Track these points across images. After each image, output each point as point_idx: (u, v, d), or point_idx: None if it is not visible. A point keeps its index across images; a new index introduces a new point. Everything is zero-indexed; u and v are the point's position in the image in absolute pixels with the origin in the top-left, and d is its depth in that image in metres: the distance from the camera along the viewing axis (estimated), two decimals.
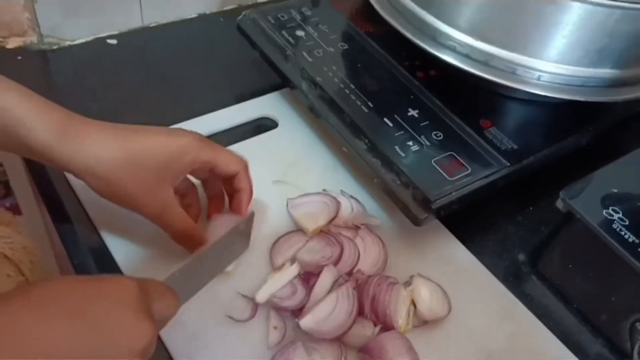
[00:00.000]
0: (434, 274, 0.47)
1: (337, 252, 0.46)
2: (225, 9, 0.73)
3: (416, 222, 0.46)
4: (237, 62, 0.66)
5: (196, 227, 0.44)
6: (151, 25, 0.68)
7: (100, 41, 0.65)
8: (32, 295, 0.28)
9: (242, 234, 0.45)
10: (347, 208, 0.50)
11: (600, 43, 0.48)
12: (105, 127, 0.40)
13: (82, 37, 0.64)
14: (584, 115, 0.56)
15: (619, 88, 0.52)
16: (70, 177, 0.49)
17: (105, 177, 0.39)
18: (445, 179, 0.48)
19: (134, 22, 0.67)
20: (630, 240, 0.44)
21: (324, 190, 0.52)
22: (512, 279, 0.50)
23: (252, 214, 0.45)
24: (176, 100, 0.60)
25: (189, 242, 0.44)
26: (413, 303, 0.44)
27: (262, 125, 0.59)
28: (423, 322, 0.44)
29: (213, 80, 0.64)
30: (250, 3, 0.75)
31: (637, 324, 0.45)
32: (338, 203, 0.50)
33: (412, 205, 0.46)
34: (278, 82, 0.61)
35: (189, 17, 0.71)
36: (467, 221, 0.52)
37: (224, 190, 0.48)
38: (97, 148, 0.39)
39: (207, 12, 0.72)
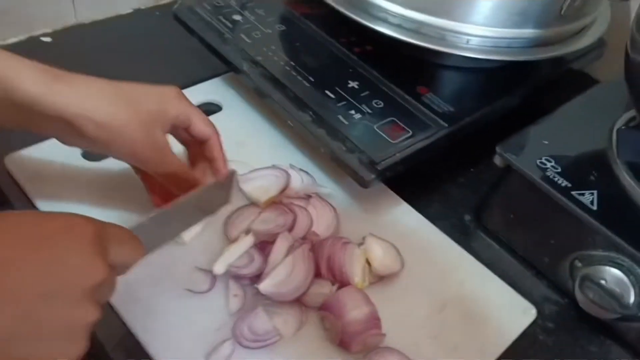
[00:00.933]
0: (386, 234, 0.49)
1: (290, 219, 0.47)
2: (160, 3, 0.73)
3: (364, 184, 0.48)
4: (176, 52, 0.66)
5: (190, 170, 0.45)
6: (86, 22, 0.68)
7: (34, 40, 0.64)
8: None
9: (222, 189, 0.45)
10: (297, 180, 0.51)
11: (521, 4, 0.51)
12: (95, 78, 0.41)
13: (15, 36, 0.63)
14: (514, 77, 0.59)
15: (543, 47, 0.56)
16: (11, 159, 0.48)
17: (105, 120, 0.39)
18: (389, 142, 0.50)
19: (68, 19, 0.66)
20: (564, 185, 0.47)
21: (273, 165, 0.53)
22: (459, 235, 0.52)
23: (233, 172, 0.45)
24: None
25: (184, 184, 0.44)
26: (367, 262, 0.46)
27: (207, 111, 0.59)
28: (379, 279, 0.46)
29: (153, 72, 0.64)
30: None
31: (576, 261, 0.48)
32: (288, 175, 0.51)
33: (359, 169, 0.48)
34: (219, 68, 0.62)
35: (124, 12, 0.71)
36: (414, 185, 0.54)
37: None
38: (92, 92, 0.39)
39: (142, 7, 0.72)
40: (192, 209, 0.42)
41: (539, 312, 0.47)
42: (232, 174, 0.45)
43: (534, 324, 0.47)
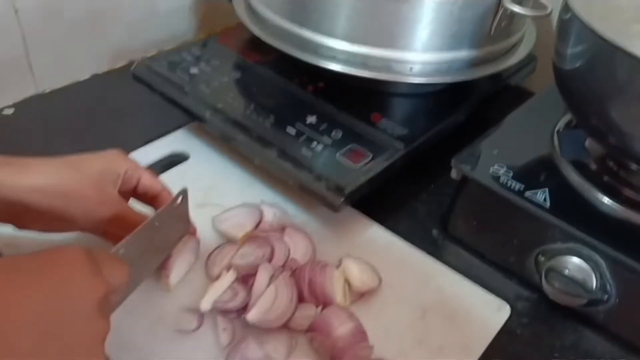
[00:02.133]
0: (361, 253, 0.51)
1: (268, 250, 0.49)
2: (116, 66, 0.76)
3: (334, 208, 0.51)
4: (137, 110, 0.68)
5: None
6: (46, 91, 0.70)
7: None
8: None
9: (179, 213, 0.47)
10: (269, 213, 0.54)
11: (453, 29, 0.56)
12: (40, 158, 0.43)
13: None
14: (458, 96, 0.64)
15: (479, 66, 0.61)
16: None
17: (56, 189, 0.41)
18: (352, 168, 0.53)
19: (28, 90, 0.68)
20: (517, 187, 0.51)
21: (244, 203, 0.55)
22: (430, 246, 0.55)
23: (184, 190, 0.47)
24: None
25: None
26: (347, 282, 0.48)
27: (174, 161, 0.62)
28: (359, 296, 0.48)
29: (116, 131, 0.66)
30: (140, 59, 0.78)
31: (539, 256, 0.51)
32: (259, 210, 0.53)
33: (327, 195, 0.51)
34: (181, 120, 0.65)
35: (82, 79, 0.73)
36: (381, 205, 0.57)
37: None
38: (42, 169, 0.42)
39: (99, 72, 0.75)
40: (158, 234, 0.44)
41: (513, 309, 0.50)
42: (183, 192, 0.47)
43: (510, 320, 0.49)
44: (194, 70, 0.64)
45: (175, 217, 0.47)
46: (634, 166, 0.51)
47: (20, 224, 0.43)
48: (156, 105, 0.64)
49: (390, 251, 0.53)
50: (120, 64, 0.77)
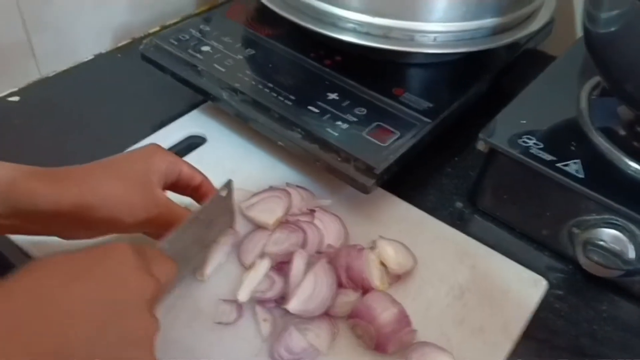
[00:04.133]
0: (392, 234, 0.50)
1: (302, 236, 0.48)
2: (119, 45, 0.73)
3: (365, 190, 0.49)
4: (146, 91, 0.66)
5: None
6: (50, 75, 0.67)
7: (1, 101, 0.63)
8: (36, 271, 0.30)
9: (225, 206, 0.46)
10: (297, 197, 0.52)
11: None
12: (81, 167, 0.41)
13: None
14: (478, 65, 0.62)
15: (502, 34, 0.59)
16: None
17: (103, 201, 0.40)
18: (381, 146, 0.51)
19: (32, 75, 0.65)
20: (548, 159, 0.50)
21: (270, 187, 0.54)
22: (459, 222, 0.55)
23: (230, 182, 0.46)
24: (95, 143, 0.59)
25: None
26: (382, 263, 0.47)
27: (192, 144, 0.60)
28: (396, 278, 0.48)
29: (128, 114, 0.64)
30: (142, 35, 0.75)
31: (573, 228, 0.50)
32: (288, 194, 0.52)
33: (358, 177, 0.49)
34: (195, 100, 0.63)
35: (86, 59, 0.70)
36: (406, 182, 0.56)
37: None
38: (84, 179, 0.40)
39: (103, 51, 0.72)
40: (202, 227, 0.43)
41: (548, 282, 0.50)
42: (228, 184, 0.46)
43: (546, 294, 0.49)
44: (205, 47, 0.61)
45: (220, 210, 0.46)
46: None
47: (65, 235, 0.41)
48: (166, 85, 0.62)
49: (421, 229, 0.53)
50: (123, 41, 0.73)
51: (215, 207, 0.45)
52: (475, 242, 0.52)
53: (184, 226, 0.40)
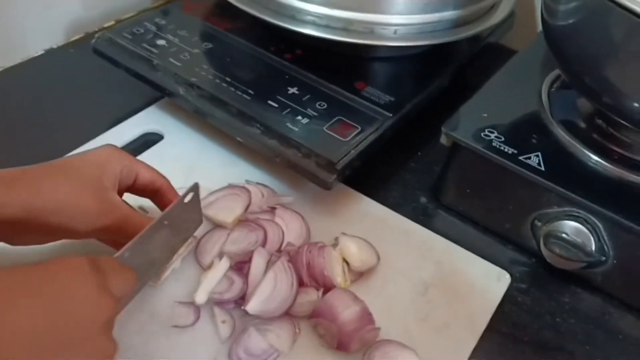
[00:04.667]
0: (355, 230, 0.49)
1: (261, 234, 0.47)
2: (72, 39, 0.70)
3: (326, 186, 0.48)
4: (100, 87, 0.63)
5: None
6: None
7: None
8: None
9: (190, 208, 0.44)
10: (257, 194, 0.51)
11: None
12: (29, 168, 0.38)
13: None
14: (440, 59, 0.61)
15: (463, 26, 0.58)
16: None
17: (53, 205, 0.37)
18: (341, 141, 0.50)
19: None
20: (510, 152, 0.50)
21: (229, 184, 0.52)
22: (423, 217, 0.54)
23: (196, 185, 0.43)
24: (46, 141, 0.56)
25: None
26: (345, 261, 0.46)
27: (148, 141, 0.58)
28: (359, 275, 0.47)
29: (81, 111, 0.61)
30: (96, 30, 0.72)
31: (535, 221, 0.50)
32: (247, 191, 0.50)
33: (318, 172, 0.48)
34: (151, 96, 0.60)
35: (36, 54, 0.67)
36: (368, 178, 0.56)
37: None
38: (33, 182, 0.37)
39: (54, 46, 0.69)
40: (167, 233, 0.41)
41: (511, 275, 0.49)
42: (195, 187, 0.43)
43: (509, 287, 0.49)
44: (160, 41, 0.59)
45: (186, 213, 0.43)
46: (626, 124, 0.50)
47: (13, 241, 0.39)
48: (120, 81, 0.59)
49: (385, 225, 0.52)
50: (76, 36, 0.71)
51: (180, 211, 0.43)
52: (439, 238, 0.51)
53: (146, 233, 0.38)
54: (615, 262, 0.48)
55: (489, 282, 0.48)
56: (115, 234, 0.40)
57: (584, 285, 0.50)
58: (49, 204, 0.37)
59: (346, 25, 0.54)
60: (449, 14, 0.57)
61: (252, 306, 0.41)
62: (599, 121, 0.52)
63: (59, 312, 0.28)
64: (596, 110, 0.53)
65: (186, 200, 0.42)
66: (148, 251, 0.39)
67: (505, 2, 0.64)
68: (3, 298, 0.27)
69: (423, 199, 0.56)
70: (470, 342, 0.44)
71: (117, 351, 0.30)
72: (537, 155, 0.50)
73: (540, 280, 0.50)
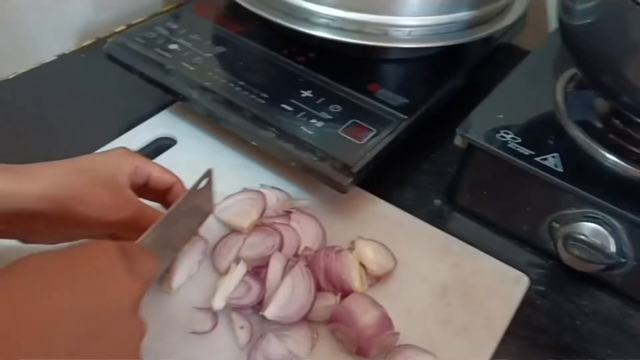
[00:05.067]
0: (371, 233, 0.49)
1: (278, 239, 0.46)
2: (84, 44, 0.70)
3: (342, 189, 0.48)
4: (112, 92, 0.64)
5: None
6: (10, 77, 0.64)
7: None
8: (16, 271, 0.28)
9: (204, 195, 0.44)
10: (272, 198, 0.51)
11: None
12: (45, 163, 0.39)
13: None
14: (453, 61, 0.61)
15: (477, 27, 0.58)
16: None
17: (71, 196, 0.37)
18: (357, 144, 0.50)
19: None
20: (527, 153, 0.49)
21: (244, 189, 0.52)
22: (438, 220, 0.54)
23: (210, 171, 0.44)
24: (59, 147, 0.56)
25: None
26: (362, 265, 0.46)
27: (161, 146, 0.58)
28: (376, 279, 0.46)
29: (95, 117, 0.61)
30: (107, 34, 0.73)
31: (553, 223, 0.50)
32: (263, 195, 0.50)
33: (334, 175, 0.48)
34: (163, 100, 0.60)
35: (48, 60, 0.67)
36: (383, 181, 0.55)
37: None
38: (50, 173, 0.38)
39: (66, 51, 0.69)
40: (184, 219, 0.42)
41: (530, 278, 0.49)
42: (208, 172, 0.44)
43: (527, 290, 0.48)
44: (173, 46, 0.59)
45: (200, 199, 0.44)
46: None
47: (27, 238, 0.39)
48: (133, 85, 0.60)
49: (400, 228, 0.51)
50: (87, 41, 0.71)
51: (195, 197, 0.43)
52: (456, 240, 0.51)
53: (164, 221, 0.38)
54: (635, 263, 0.47)
55: (507, 285, 0.48)
56: (132, 228, 0.40)
57: (603, 287, 0.49)
58: (67, 193, 0.37)
59: (360, 28, 0.54)
60: (462, 15, 0.56)
61: (270, 312, 0.41)
62: (616, 121, 0.52)
63: (95, 295, 0.29)
64: (613, 110, 0.53)
65: (200, 186, 0.42)
66: (168, 237, 0.40)
67: (519, 2, 0.63)
68: (43, 281, 0.28)
69: (438, 201, 0.56)
70: (490, 346, 0.43)
71: (146, 331, 0.31)
72: (555, 156, 0.49)
73: (559, 283, 0.50)
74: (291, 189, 0.53)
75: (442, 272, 0.48)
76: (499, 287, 0.47)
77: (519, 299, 0.47)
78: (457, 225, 0.54)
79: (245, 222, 0.47)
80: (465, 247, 0.50)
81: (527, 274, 0.49)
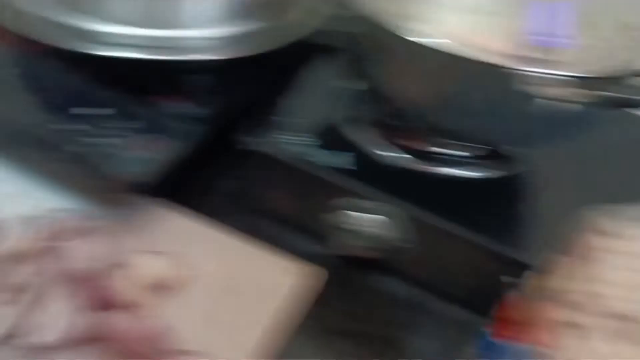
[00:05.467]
0: (161, 245, 0.48)
1: (49, 262, 0.44)
2: None
3: (133, 203, 0.48)
4: None
5: None
6: None
7: None
8: None
9: None
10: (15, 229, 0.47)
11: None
12: None
13: None
14: (248, 70, 0.60)
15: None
16: None
17: None
18: (148, 157, 0.49)
19: None
20: (305, 153, 0.52)
21: None
22: (233, 223, 0.53)
23: None
24: None
25: None
26: (144, 278, 0.45)
27: None
28: (165, 290, 0.46)
29: None
30: None
31: (334, 216, 0.51)
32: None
33: (125, 190, 0.48)
34: None
35: None
36: (179, 190, 0.54)
37: None
38: None
39: None
40: None
41: (318, 271, 0.50)
42: None
43: (314, 283, 0.49)
44: None
45: None
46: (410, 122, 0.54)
47: None
48: None
49: (194, 236, 0.51)
50: None
51: None
52: (242, 240, 0.51)
53: None
54: (415, 249, 0.50)
55: (296, 279, 0.49)
56: None
57: (386, 273, 0.52)
58: None
59: (141, 42, 0.53)
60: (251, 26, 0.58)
61: (32, 339, 0.39)
62: (388, 118, 0.55)
63: None
64: (381, 108, 0.56)
65: None
66: None
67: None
68: None
69: (234, 207, 0.56)
70: (276, 342, 0.44)
71: None
72: (331, 153, 0.52)
73: (344, 273, 0.51)
74: (81, 207, 0.50)
75: (233, 276, 0.48)
76: (289, 282, 0.48)
77: (309, 292, 0.48)
78: (247, 225, 0.53)
79: None
80: (252, 247, 0.51)
81: (316, 267, 0.50)
